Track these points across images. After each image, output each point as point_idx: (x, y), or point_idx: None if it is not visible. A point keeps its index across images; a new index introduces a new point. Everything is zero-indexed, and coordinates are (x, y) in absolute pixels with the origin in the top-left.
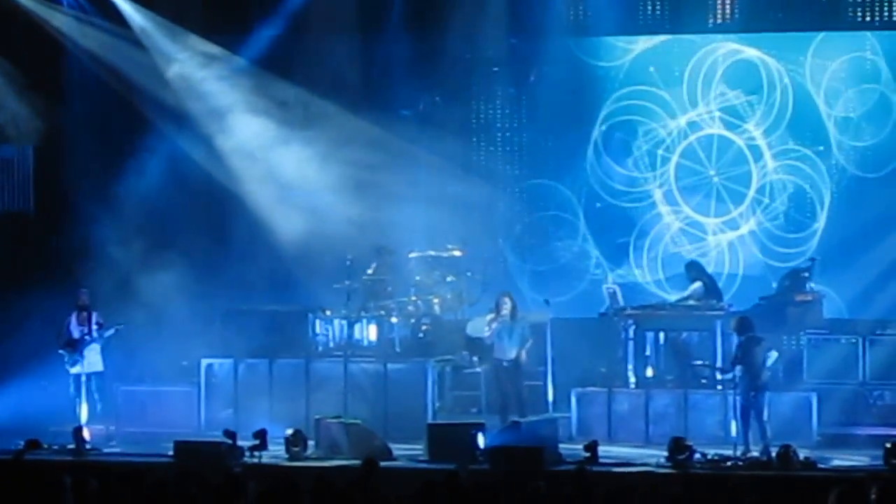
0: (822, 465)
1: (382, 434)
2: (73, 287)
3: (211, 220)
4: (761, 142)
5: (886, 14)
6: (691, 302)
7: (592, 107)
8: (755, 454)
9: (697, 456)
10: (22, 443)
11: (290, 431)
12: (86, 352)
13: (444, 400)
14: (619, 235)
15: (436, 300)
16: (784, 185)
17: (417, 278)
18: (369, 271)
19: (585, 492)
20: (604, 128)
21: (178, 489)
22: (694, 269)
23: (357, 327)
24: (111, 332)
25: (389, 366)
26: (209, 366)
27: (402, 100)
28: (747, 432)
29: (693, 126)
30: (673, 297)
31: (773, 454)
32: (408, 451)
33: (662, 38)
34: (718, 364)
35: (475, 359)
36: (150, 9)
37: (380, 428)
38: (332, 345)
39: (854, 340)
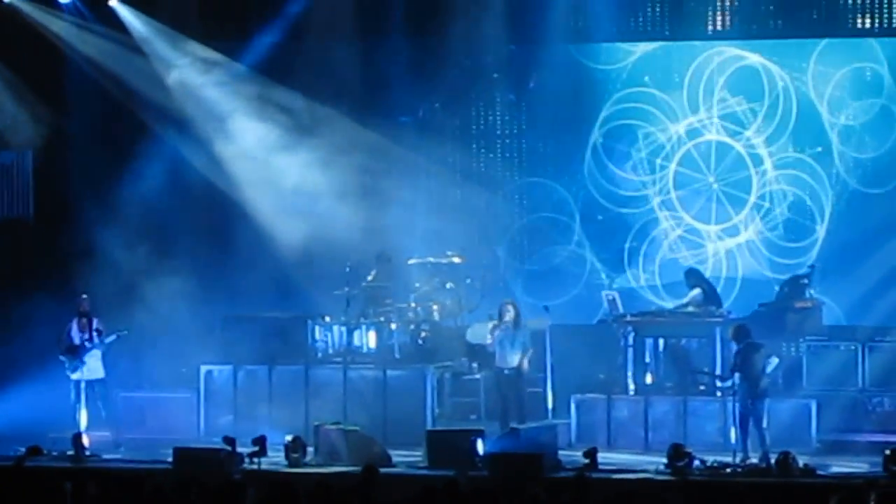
0: (822, 472)
1: (382, 440)
2: (72, 293)
3: (211, 227)
4: (762, 150)
5: (886, 21)
6: (691, 309)
7: (591, 111)
8: (754, 461)
9: (697, 463)
10: (22, 449)
11: (289, 438)
12: (86, 358)
13: (444, 406)
14: (617, 241)
15: (435, 307)
16: (784, 195)
17: (417, 285)
18: (369, 278)
19: (584, 499)
20: (603, 131)
21: (178, 496)
22: (693, 276)
23: (356, 334)
24: (112, 338)
25: (389, 372)
26: (208, 372)
27: (401, 106)
28: (746, 439)
29: (693, 132)
30: (669, 303)
31: (773, 461)
32: (407, 458)
33: (663, 41)
34: (718, 371)
35: (474, 365)
36: (150, 15)
37: (379, 434)
38: (331, 351)
39: (853, 347)
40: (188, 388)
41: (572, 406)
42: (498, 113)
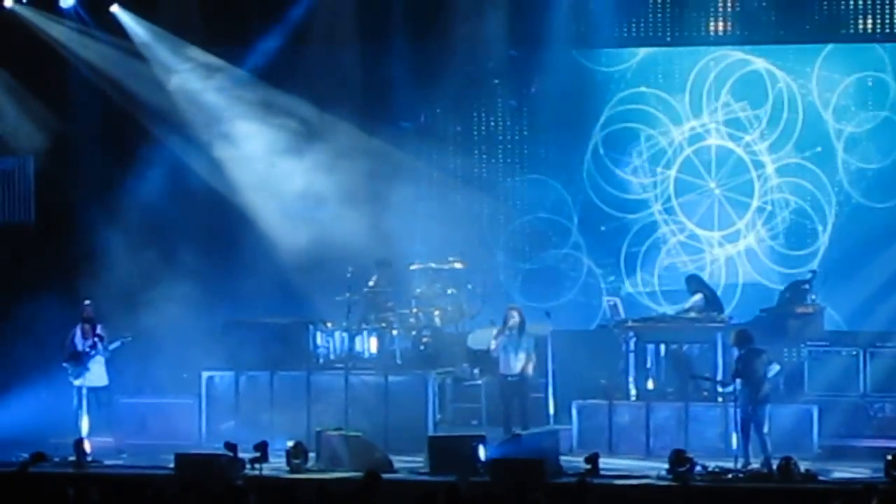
0: (823, 478)
1: (383, 446)
2: (74, 298)
3: (212, 232)
4: (765, 157)
5: (888, 26)
6: (692, 314)
7: (593, 114)
8: (756, 466)
9: (698, 468)
10: (25, 455)
11: (290, 444)
12: (90, 364)
13: (445, 412)
14: (616, 246)
15: (437, 312)
16: (787, 202)
17: (418, 290)
18: (370, 283)
19: None
20: (604, 135)
21: (179, 501)
22: (694, 282)
23: (358, 339)
24: (117, 344)
25: (390, 378)
26: (210, 378)
27: (403, 112)
28: (748, 445)
29: (695, 136)
30: (669, 309)
31: (774, 466)
32: (408, 464)
33: (664, 47)
34: (719, 377)
35: (476, 371)
36: (151, 21)
37: (380, 440)
38: (332, 357)
39: (855, 353)
40: (190, 393)
41: (574, 411)
42: (499, 118)
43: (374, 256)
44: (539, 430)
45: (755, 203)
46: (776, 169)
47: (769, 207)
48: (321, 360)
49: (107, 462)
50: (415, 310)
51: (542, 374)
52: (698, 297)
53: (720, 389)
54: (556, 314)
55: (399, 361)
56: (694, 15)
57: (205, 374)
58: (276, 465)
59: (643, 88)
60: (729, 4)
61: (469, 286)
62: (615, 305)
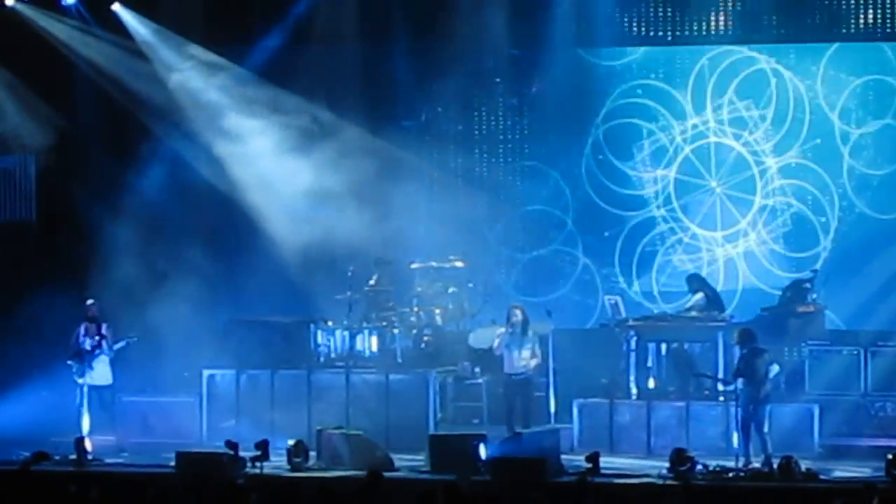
0: (824, 477)
1: (384, 445)
2: (75, 297)
3: (213, 231)
4: (769, 158)
5: (889, 25)
6: (693, 313)
7: (594, 109)
8: (757, 465)
9: (699, 467)
10: (26, 453)
11: (291, 442)
12: (94, 363)
13: (446, 411)
14: (613, 244)
15: (437, 311)
16: (789, 205)
17: (419, 289)
18: (371, 282)
19: (587, 503)
20: (605, 133)
21: (180, 500)
22: (695, 281)
23: (359, 338)
24: (122, 344)
25: (391, 376)
26: (211, 376)
27: (404, 111)
28: (749, 443)
29: (697, 134)
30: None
31: (775, 465)
32: (409, 462)
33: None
34: (720, 376)
35: (477, 370)
36: (153, 19)
37: (381, 439)
38: (333, 355)
39: (856, 352)
40: (191, 392)
41: (575, 410)
42: (500, 117)
43: (376, 255)
44: (540, 428)
45: (756, 204)
46: (779, 169)
47: (771, 202)
48: (322, 359)
49: (108, 460)
50: (416, 308)
51: (544, 372)
52: (699, 295)
53: (721, 388)
54: (552, 311)
55: (400, 360)
56: (695, 13)
57: (206, 373)
58: (277, 463)
59: (645, 81)
60: (730, 3)
61: (470, 285)
62: (616, 304)
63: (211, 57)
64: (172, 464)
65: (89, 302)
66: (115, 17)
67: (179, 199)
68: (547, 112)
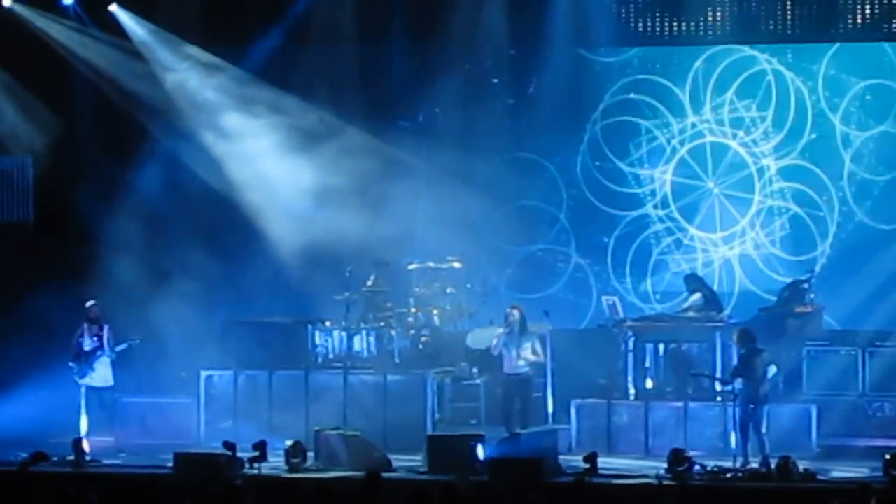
0: (822, 477)
1: (382, 445)
2: (72, 298)
3: (211, 231)
4: (768, 159)
5: (887, 25)
6: (691, 313)
7: (591, 107)
8: (755, 466)
9: (697, 468)
10: (24, 454)
11: (289, 443)
12: (96, 365)
13: (444, 411)
14: (611, 246)
15: (435, 312)
16: (787, 208)
17: (417, 290)
18: (368, 283)
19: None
20: (602, 132)
21: (178, 501)
22: (693, 281)
23: (357, 339)
24: (124, 346)
25: (389, 377)
26: (209, 377)
27: (401, 111)
28: (747, 444)
29: (696, 134)
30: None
31: (773, 466)
32: (407, 463)
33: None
34: (718, 376)
35: (475, 370)
36: (150, 21)
37: (379, 439)
38: (331, 356)
39: (853, 352)
40: (188, 393)
41: (573, 411)
42: (497, 117)
43: (374, 256)
44: (538, 429)
45: (754, 205)
46: (778, 171)
47: (769, 202)
48: (320, 360)
49: (106, 461)
50: (413, 309)
51: (542, 373)
52: (697, 296)
53: (719, 388)
54: (540, 310)
55: (398, 361)
56: (692, 13)
57: (203, 374)
58: (274, 464)
59: (644, 76)
60: (728, 2)
61: (468, 285)
62: (614, 305)
63: (208, 57)
64: (170, 465)
65: (91, 303)
66: (112, 18)
67: (177, 199)
68: (544, 111)
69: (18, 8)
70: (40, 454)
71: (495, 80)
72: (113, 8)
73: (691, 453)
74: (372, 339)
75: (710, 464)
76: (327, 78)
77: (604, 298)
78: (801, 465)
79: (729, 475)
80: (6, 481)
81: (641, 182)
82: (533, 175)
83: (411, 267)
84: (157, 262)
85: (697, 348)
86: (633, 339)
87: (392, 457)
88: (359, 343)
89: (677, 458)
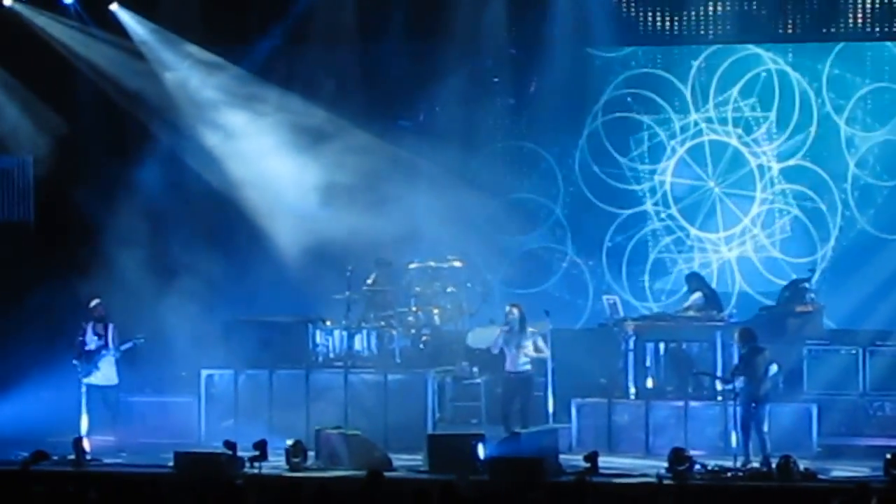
0: (823, 476)
1: (383, 445)
2: (73, 297)
3: (211, 230)
4: (771, 160)
5: (887, 26)
6: (691, 313)
7: (592, 104)
8: (755, 465)
9: (697, 467)
10: (25, 453)
11: (290, 442)
12: (100, 364)
13: (445, 411)
14: (610, 244)
15: (436, 311)
16: (788, 211)
17: (417, 289)
18: (369, 282)
19: (585, 503)
20: (602, 128)
21: (178, 500)
22: (694, 280)
23: (357, 338)
24: (129, 345)
25: (390, 376)
26: (209, 376)
27: (401, 110)
28: (748, 443)
29: (698, 132)
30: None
31: (774, 465)
32: (408, 462)
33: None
34: (719, 375)
35: (475, 369)
36: (151, 19)
37: (380, 439)
38: (332, 355)
39: (854, 351)
40: (189, 392)
41: (573, 410)
42: (498, 116)
43: (374, 255)
44: (538, 428)
45: (755, 206)
46: (780, 171)
47: (770, 205)
48: (320, 359)
49: (106, 460)
50: (414, 308)
51: (542, 372)
52: (697, 295)
53: (720, 387)
54: (539, 309)
55: (398, 360)
56: (693, 12)
57: (204, 373)
58: (275, 463)
59: (647, 70)
60: (728, 3)
61: (468, 285)
62: (615, 304)
63: (209, 57)
64: (171, 464)
65: (95, 302)
66: (113, 18)
67: (178, 198)
68: (545, 110)
69: (19, 7)
70: (41, 453)
71: (496, 80)
72: (114, 7)
73: (692, 452)
74: (373, 338)
75: (711, 463)
76: (328, 77)
77: (604, 297)
78: (802, 465)
79: (729, 474)
80: (7, 480)
81: (640, 179)
82: (532, 169)
83: (412, 266)
84: (158, 261)
85: (698, 347)
86: (633, 338)
87: (393, 456)
88: (359, 342)
89: (678, 458)
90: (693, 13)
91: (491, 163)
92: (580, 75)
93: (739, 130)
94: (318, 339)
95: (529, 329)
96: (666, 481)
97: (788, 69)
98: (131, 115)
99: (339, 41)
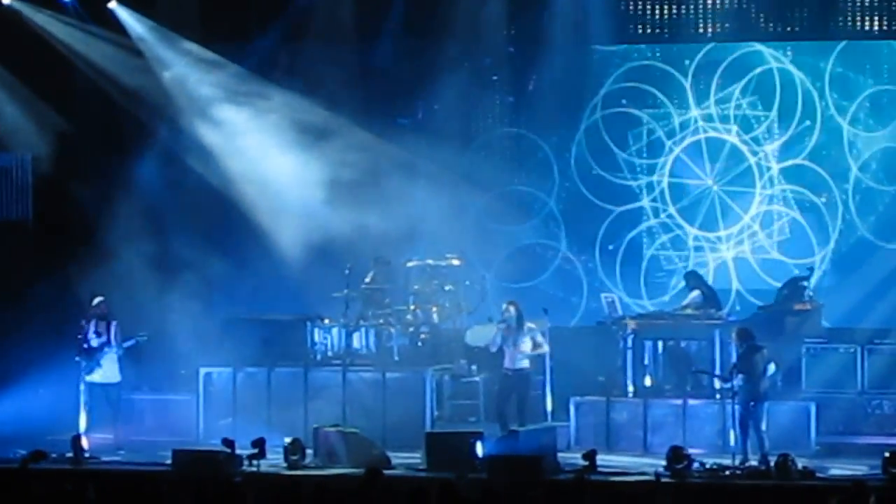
0: (821, 475)
1: (381, 443)
2: (71, 296)
3: (210, 228)
4: (771, 160)
5: (886, 24)
6: (690, 311)
7: (591, 101)
8: (754, 463)
9: (696, 465)
10: (23, 451)
11: (288, 440)
12: (103, 361)
13: (443, 409)
14: (605, 241)
15: (434, 309)
16: (787, 213)
17: (416, 287)
18: (367, 280)
19: (583, 501)
20: (599, 119)
21: (177, 497)
22: (692, 279)
23: (356, 336)
24: (131, 343)
25: (388, 374)
26: (208, 374)
27: (400, 108)
28: (746, 441)
29: (697, 129)
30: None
31: (772, 463)
32: (406, 460)
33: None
34: (718, 373)
35: (474, 367)
36: (150, 17)
37: (378, 437)
38: (330, 353)
39: (852, 349)
40: (187, 390)
41: (571, 408)
42: (497, 115)
43: (372, 253)
44: (537, 426)
45: (754, 206)
46: (781, 171)
47: (768, 197)
48: (319, 357)
49: (104, 458)
50: (412, 306)
51: (540, 370)
52: (696, 293)
53: (718, 385)
54: (533, 307)
55: (397, 358)
56: (693, 11)
57: (202, 371)
58: (273, 461)
59: (647, 62)
60: (727, 2)
61: (467, 283)
62: (613, 302)
63: (208, 54)
64: (169, 462)
65: (98, 300)
66: (112, 15)
67: (176, 196)
68: (544, 109)
69: (19, 5)
70: (39, 452)
71: (495, 78)
72: (112, 5)
73: (690, 451)
74: (371, 336)
75: (709, 461)
76: (326, 75)
77: (603, 296)
78: (800, 463)
79: (728, 473)
80: (6, 479)
81: (637, 175)
82: (535, 178)
83: (410, 264)
84: (156, 259)
85: (696, 346)
86: (632, 336)
87: (391, 454)
88: (358, 340)
89: (676, 456)
90: (694, 12)
91: (488, 155)
92: (579, 71)
93: (736, 127)
94: (316, 338)
95: (527, 325)
96: (664, 479)
97: (791, 67)
98: (130, 112)
99: (337, 39)
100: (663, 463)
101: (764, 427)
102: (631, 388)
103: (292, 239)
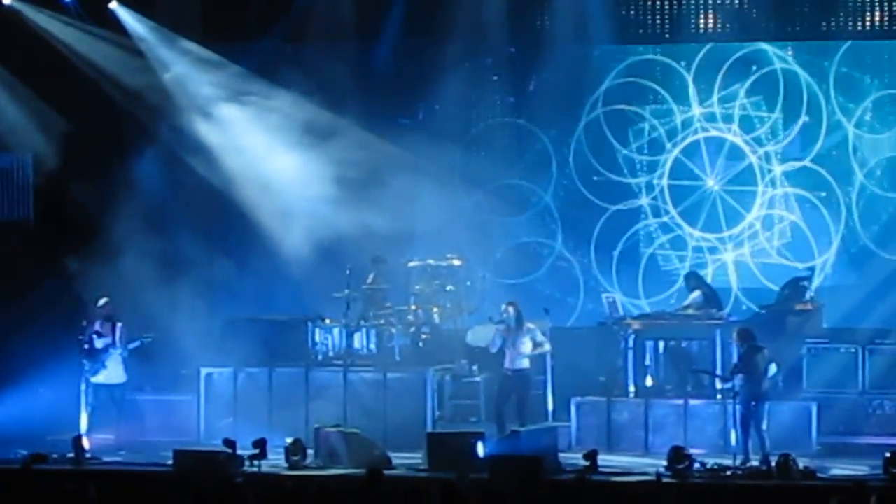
0: (822, 475)
1: (382, 443)
2: (71, 297)
3: (211, 229)
4: (775, 163)
5: (886, 23)
6: (691, 311)
7: (590, 100)
8: (755, 463)
9: (697, 465)
10: (24, 452)
11: (289, 440)
12: (108, 362)
13: (444, 409)
14: (601, 239)
15: (435, 309)
16: (787, 217)
17: (417, 287)
18: (368, 280)
19: (585, 501)
20: (599, 117)
21: (178, 498)
22: (693, 279)
23: (357, 336)
24: (136, 344)
25: (389, 375)
26: (209, 374)
27: (401, 108)
28: (747, 441)
29: (699, 128)
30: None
31: (773, 463)
32: (407, 461)
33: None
34: (719, 373)
35: (475, 368)
36: (150, 18)
37: (379, 437)
38: (331, 354)
39: (853, 350)
40: (189, 390)
41: (572, 408)
42: (498, 115)
43: (373, 253)
44: (538, 426)
45: (755, 209)
46: (783, 173)
47: (769, 198)
48: (320, 357)
49: (106, 459)
50: (413, 307)
51: (541, 370)
52: (697, 294)
53: (719, 385)
54: (531, 306)
55: (398, 358)
56: (693, 11)
57: (203, 371)
58: (274, 461)
59: (649, 57)
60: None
61: (468, 283)
62: (614, 302)
63: (208, 54)
64: (170, 462)
65: (103, 301)
66: (112, 16)
67: (177, 196)
68: (544, 109)
69: (19, 5)
70: (40, 456)
71: (495, 77)
72: (113, 5)
73: (691, 451)
74: (372, 336)
75: (710, 461)
76: (327, 75)
77: (604, 296)
78: (801, 463)
79: (729, 473)
80: (7, 480)
81: (637, 173)
82: (535, 178)
83: (411, 264)
84: (157, 259)
85: (697, 346)
86: (633, 336)
87: (392, 454)
88: (359, 341)
89: (677, 456)
90: (694, 11)
91: (486, 145)
92: (580, 68)
93: (739, 128)
94: (317, 338)
95: (527, 325)
96: (665, 480)
97: (797, 67)
98: (131, 112)
99: (337, 39)
100: (664, 463)
101: (765, 427)
102: (632, 389)
103: (293, 239)
